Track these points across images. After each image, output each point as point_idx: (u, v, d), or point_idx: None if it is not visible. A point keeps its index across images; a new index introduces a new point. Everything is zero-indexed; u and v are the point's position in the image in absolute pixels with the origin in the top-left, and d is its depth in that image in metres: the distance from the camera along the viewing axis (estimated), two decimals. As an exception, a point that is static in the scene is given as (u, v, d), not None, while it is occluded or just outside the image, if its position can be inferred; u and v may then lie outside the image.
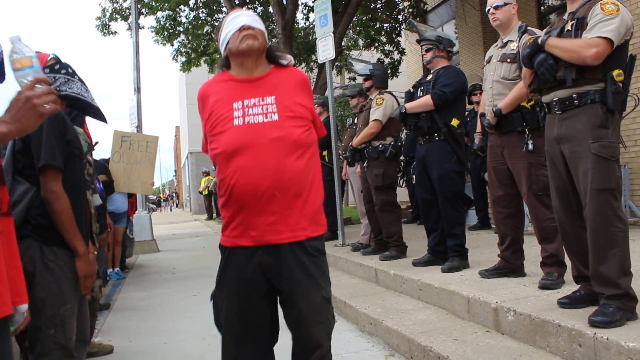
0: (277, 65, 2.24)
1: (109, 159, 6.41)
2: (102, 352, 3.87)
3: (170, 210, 47.28)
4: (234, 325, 2.23)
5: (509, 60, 3.70)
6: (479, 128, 4.21)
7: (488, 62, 3.92)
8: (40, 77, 1.55)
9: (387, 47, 13.24)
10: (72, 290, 2.17)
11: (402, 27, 13.05)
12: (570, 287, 3.32)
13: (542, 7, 10.28)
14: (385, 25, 13.17)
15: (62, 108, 2.39)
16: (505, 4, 3.78)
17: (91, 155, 3.84)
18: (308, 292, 2.11)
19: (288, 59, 2.27)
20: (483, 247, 5.68)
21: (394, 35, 13.01)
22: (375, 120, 5.48)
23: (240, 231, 2.13)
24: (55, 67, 2.46)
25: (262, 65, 2.21)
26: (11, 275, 1.62)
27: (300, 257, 2.11)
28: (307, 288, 2.11)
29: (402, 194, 7.86)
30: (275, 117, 2.09)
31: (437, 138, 4.54)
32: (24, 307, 1.73)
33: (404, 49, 13.22)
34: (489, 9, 3.82)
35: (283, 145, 2.06)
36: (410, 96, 4.77)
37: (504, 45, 3.80)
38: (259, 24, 2.19)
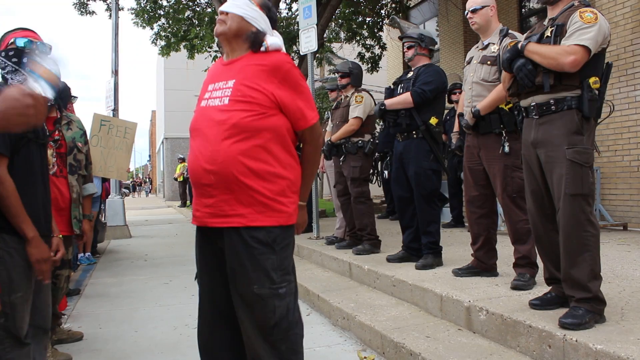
0: (254, 50, 2.20)
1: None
2: (72, 339, 3.83)
3: (146, 195, 46.69)
4: (205, 301, 2.28)
5: (489, 62, 3.74)
6: (456, 128, 4.26)
7: (468, 63, 3.95)
8: (49, 100, 1.52)
9: (369, 42, 13.25)
10: (24, 277, 2.10)
11: (384, 21, 13.06)
12: (541, 288, 3.39)
13: (523, 10, 10.39)
14: (368, 19, 13.18)
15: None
16: (483, 7, 3.81)
17: (86, 143, 3.80)
18: (238, 283, 2.09)
19: (267, 45, 2.18)
20: (457, 245, 5.75)
21: (375, 30, 13.02)
22: (356, 117, 5.51)
23: (194, 210, 2.24)
24: (10, 53, 2.39)
25: (238, 50, 2.22)
26: None
27: (236, 246, 2.08)
28: (237, 278, 2.08)
29: (376, 189, 7.89)
30: (226, 100, 2.11)
31: (415, 136, 4.57)
32: None
33: (385, 44, 13.24)
34: (467, 13, 3.87)
35: (222, 129, 2.06)
36: (390, 93, 4.78)
37: (485, 47, 3.84)
38: (236, 9, 2.18)
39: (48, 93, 1.53)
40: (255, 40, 2.19)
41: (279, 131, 2.13)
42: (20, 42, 2.44)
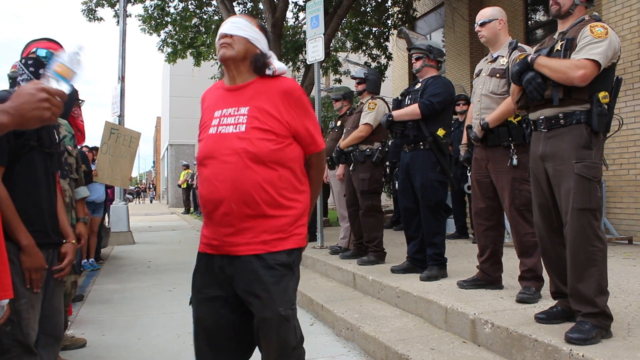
0: (261, 75, 2.17)
1: (96, 148, 6.38)
2: (75, 346, 3.82)
3: (151, 201, 46.68)
4: (201, 331, 2.23)
5: (498, 75, 3.74)
6: (464, 140, 4.25)
7: (477, 75, 3.96)
8: (64, 94, 1.51)
9: (375, 52, 13.28)
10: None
11: (390, 32, 13.11)
12: (546, 302, 3.37)
13: (529, 22, 10.42)
14: (374, 29, 13.22)
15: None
16: (491, 21, 3.82)
17: (76, 146, 3.79)
18: (263, 308, 2.05)
19: (274, 68, 2.17)
20: (461, 256, 5.74)
21: (382, 40, 13.06)
22: (365, 124, 5.48)
23: (208, 239, 2.17)
24: (29, 62, 2.40)
25: (245, 74, 2.17)
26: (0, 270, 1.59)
27: (258, 271, 2.06)
28: (262, 303, 2.05)
29: (383, 199, 7.89)
30: (243, 128, 2.06)
31: (422, 147, 4.57)
32: (5, 301, 1.70)
33: (391, 54, 13.28)
34: (476, 26, 3.89)
35: (243, 157, 2.03)
36: (398, 104, 4.79)
37: (494, 60, 3.84)
38: (240, 31, 2.14)
39: (63, 87, 1.53)
40: (260, 63, 2.16)
41: (296, 160, 2.15)
42: (42, 53, 2.45)
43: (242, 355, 2.27)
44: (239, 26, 2.15)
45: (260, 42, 2.19)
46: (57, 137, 2.36)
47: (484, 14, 3.86)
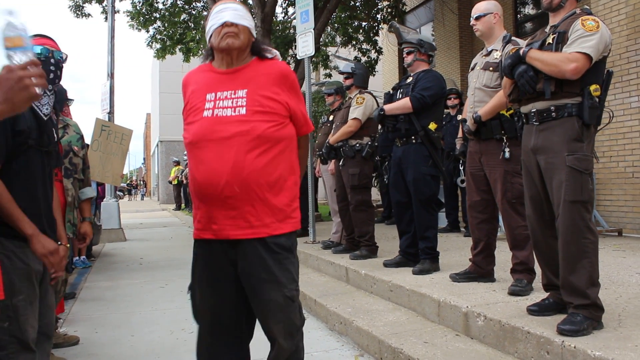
0: (259, 57, 2.21)
1: (87, 145, 6.32)
2: (68, 343, 3.80)
3: (142, 198, 46.41)
4: (207, 316, 2.24)
5: (491, 68, 3.75)
6: (460, 133, 4.27)
7: (472, 69, 3.98)
8: (34, 60, 1.50)
9: (365, 46, 13.27)
10: (25, 280, 2.08)
11: (380, 26, 13.10)
12: (538, 294, 3.40)
13: (519, 16, 10.45)
14: (364, 23, 13.21)
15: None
16: (486, 14, 3.83)
17: (83, 147, 3.80)
18: (268, 290, 2.09)
19: (274, 53, 2.23)
20: (453, 250, 5.76)
21: (371, 34, 13.05)
22: (354, 118, 5.49)
23: (204, 224, 2.16)
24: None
25: (241, 59, 2.20)
26: None
27: (262, 254, 2.09)
28: (268, 285, 2.09)
29: (373, 193, 7.91)
30: (243, 110, 2.08)
31: (414, 141, 4.57)
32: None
33: (381, 48, 13.27)
34: (471, 20, 3.90)
35: (246, 140, 2.04)
36: (390, 98, 4.79)
37: (488, 53, 3.86)
38: (243, 20, 2.15)
39: (27, 55, 1.52)
40: (259, 48, 2.21)
41: (292, 139, 2.20)
42: (37, 49, 2.43)
43: (243, 340, 2.28)
44: (241, 15, 2.16)
45: (253, 29, 2.23)
46: (55, 135, 2.35)
47: (480, 7, 3.86)
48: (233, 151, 2.04)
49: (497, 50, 3.76)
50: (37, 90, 1.47)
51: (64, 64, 2.63)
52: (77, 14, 13.24)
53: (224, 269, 2.16)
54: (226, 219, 2.09)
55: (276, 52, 2.26)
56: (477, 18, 3.86)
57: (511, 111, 3.60)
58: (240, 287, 2.17)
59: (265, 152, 2.07)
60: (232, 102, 2.10)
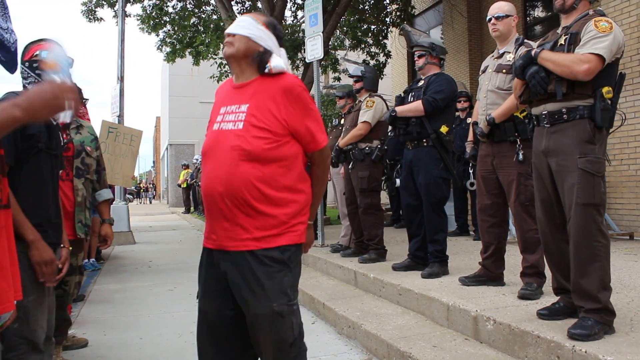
0: (263, 73, 2.18)
1: None
2: (77, 346, 3.81)
3: (150, 202, 46.52)
4: (204, 325, 2.25)
5: (504, 70, 3.73)
6: (471, 137, 4.24)
7: (483, 71, 3.95)
8: (74, 87, 1.52)
9: (373, 49, 13.25)
10: (34, 281, 2.11)
11: (389, 29, 13.08)
12: (548, 298, 3.36)
13: (528, 18, 10.39)
14: (373, 27, 13.19)
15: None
16: (507, 16, 3.80)
17: (97, 148, 3.83)
18: (255, 303, 2.07)
19: (270, 67, 2.16)
20: (462, 253, 5.72)
21: (380, 37, 13.03)
22: (364, 122, 5.47)
23: (207, 233, 2.22)
24: (34, 64, 2.41)
25: (248, 72, 2.20)
26: (12, 271, 1.59)
27: (253, 267, 2.08)
28: (255, 298, 2.07)
29: (382, 197, 7.89)
30: (241, 125, 2.10)
31: (425, 144, 4.56)
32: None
33: (389, 51, 13.25)
34: (490, 19, 3.83)
35: (237, 154, 2.06)
36: (401, 101, 4.78)
37: (501, 55, 3.83)
38: (242, 29, 2.17)
39: (61, 76, 1.54)
40: (262, 60, 2.18)
41: (293, 158, 2.16)
42: (45, 55, 2.45)
43: (244, 352, 2.26)
44: (241, 25, 2.19)
45: (265, 39, 2.19)
46: (62, 139, 2.39)
47: (502, 7, 3.81)
48: (226, 164, 2.08)
49: (509, 52, 3.73)
50: (68, 115, 1.48)
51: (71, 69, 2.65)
52: (90, 18, 13.32)
53: (220, 280, 2.17)
54: (222, 230, 2.13)
55: (274, 65, 2.16)
56: (499, 18, 3.80)
57: (525, 113, 3.56)
58: (235, 300, 2.16)
59: (258, 168, 2.07)
60: (234, 117, 2.14)
